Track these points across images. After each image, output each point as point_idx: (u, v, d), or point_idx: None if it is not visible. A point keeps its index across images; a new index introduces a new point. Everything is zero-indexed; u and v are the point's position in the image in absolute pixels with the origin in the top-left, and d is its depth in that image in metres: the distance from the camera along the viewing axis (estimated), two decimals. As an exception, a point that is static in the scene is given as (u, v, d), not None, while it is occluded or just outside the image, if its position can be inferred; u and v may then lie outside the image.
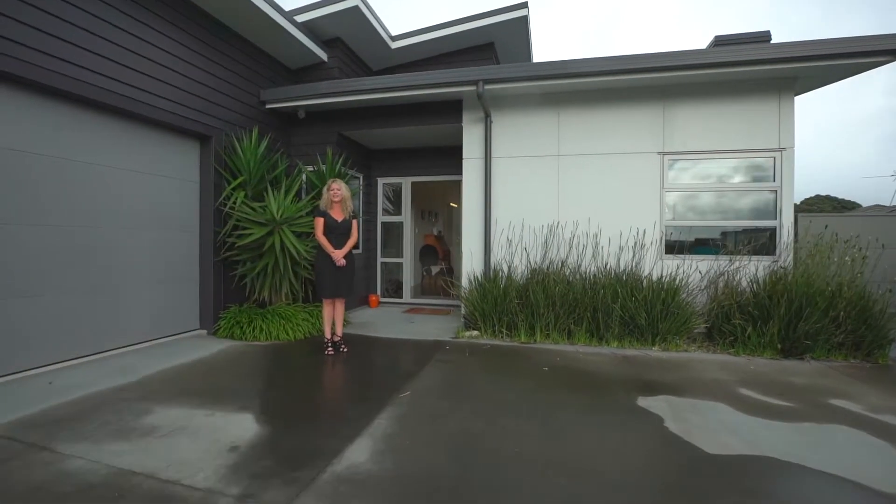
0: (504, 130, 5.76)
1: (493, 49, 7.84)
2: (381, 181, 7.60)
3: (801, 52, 4.53)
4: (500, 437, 2.63)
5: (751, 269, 4.97)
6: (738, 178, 5.26)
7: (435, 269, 10.33)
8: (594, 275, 5.27)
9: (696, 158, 5.30)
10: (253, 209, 5.13)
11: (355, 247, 4.67)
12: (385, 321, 6.24)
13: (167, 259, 4.76)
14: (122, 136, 4.30)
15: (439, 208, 12.67)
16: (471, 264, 5.82)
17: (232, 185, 5.05)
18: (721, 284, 4.95)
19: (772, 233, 5.10)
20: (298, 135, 6.49)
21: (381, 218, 7.64)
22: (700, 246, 5.33)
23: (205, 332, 5.10)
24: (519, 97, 5.67)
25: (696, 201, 5.40)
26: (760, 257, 5.00)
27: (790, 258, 4.97)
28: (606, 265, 5.32)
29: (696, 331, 4.94)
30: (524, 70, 5.17)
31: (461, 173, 7.18)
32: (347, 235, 4.45)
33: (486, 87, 5.20)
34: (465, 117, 5.91)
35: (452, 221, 13.56)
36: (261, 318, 4.94)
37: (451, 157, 7.24)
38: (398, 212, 7.80)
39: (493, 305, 5.18)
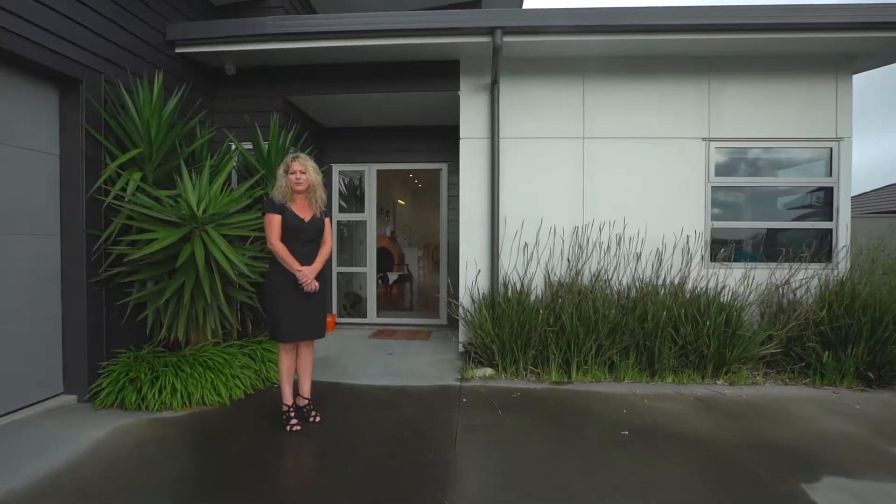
0: (514, 103, 4.46)
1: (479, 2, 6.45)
2: (337, 169, 5.92)
3: (876, 18, 3.77)
4: None
5: (805, 279, 4.18)
6: (789, 172, 4.48)
7: (392, 277, 8.79)
8: (628, 288, 4.18)
9: (746, 147, 4.42)
10: (157, 200, 3.29)
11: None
12: (353, 354, 4.64)
13: (1, 282, 2.80)
14: None
15: (389, 204, 11.11)
16: (473, 277, 4.45)
17: (119, 161, 3.15)
18: (783, 298, 4.10)
19: (823, 236, 4.37)
20: (226, 98, 4.64)
21: (337, 216, 5.97)
22: (739, 251, 4.46)
23: (74, 399, 3.16)
24: (535, 61, 4.40)
25: (741, 199, 4.54)
26: (812, 265, 4.23)
27: (847, 266, 4.27)
28: (644, 277, 4.26)
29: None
30: (570, 17, 3.82)
31: (444, 160, 5.79)
32: (318, 242, 2.88)
33: (507, 38, 3.84)
34: (465, 83, 4.51)
35: (397, 219, 12.04)
36: (173, 370, 3.14)
37: (431, 138, 5.79)
38: (359, 208, 6.17)
39: (516, 334, 3.86)
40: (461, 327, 4.46)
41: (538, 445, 2.64)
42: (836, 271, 4.23)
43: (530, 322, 3.85)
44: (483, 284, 4.42)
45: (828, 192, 4.38)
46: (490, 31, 3.79)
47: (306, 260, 2.77)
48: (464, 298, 4.39)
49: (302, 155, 2.80)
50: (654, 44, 4.01)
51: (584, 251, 4.28)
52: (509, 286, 4.25)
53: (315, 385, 3.61)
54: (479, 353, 4.02)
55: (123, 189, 3.19)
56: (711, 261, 4.36)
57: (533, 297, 4.20)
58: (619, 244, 4.29)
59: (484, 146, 4.48)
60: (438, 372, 4.04)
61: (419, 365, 4.26)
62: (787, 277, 4.18)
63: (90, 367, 3.16)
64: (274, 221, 2.71)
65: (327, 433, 2.78)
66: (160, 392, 3.03)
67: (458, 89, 4.50)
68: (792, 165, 4.47)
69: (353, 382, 3.74)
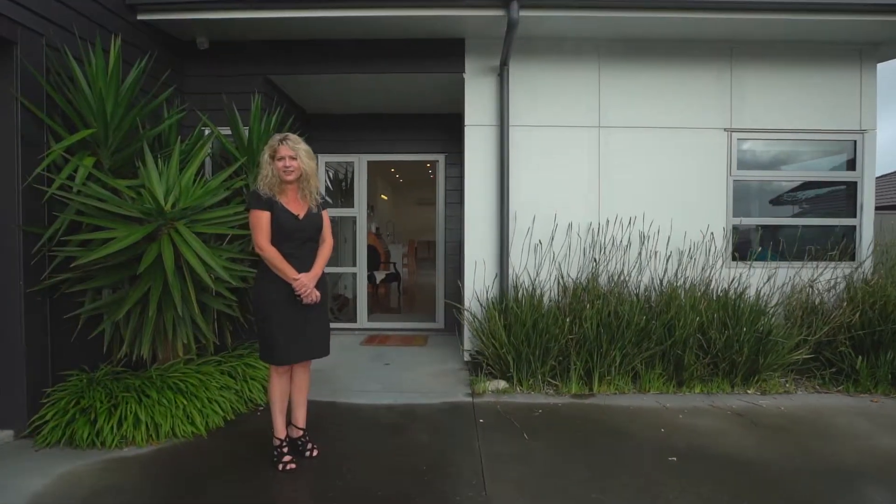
0: (524, 88, 4.06)
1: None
2: (323, 159, 5.39)
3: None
4: None
5: (831, 279, 3.96)
6: (812, 165, 4.25)
7: (379, 276, 8.30)
8: (647, 290, 3.87)
9: (769, 138, 4.15)
10: (115, 192, 2.73)
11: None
12: (345, 365, 4.16)
13: None
14: None
15: (373, 199, 10.57)
16: (481, 279, 4.03)
17: (66, 143, 2.57)
18: (810, 300, 3.86)
19: (847, 233, 4.16)
20: (199, 77, 4.05)
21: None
22: (762, 249, 4.21)
23: (9, 435, 2.57)
24: (547, 41, 4.00)
25: (763, 194, 4.28)
26: (836, 263, 4.00)
27: (871, 265, 4.07)
28: (663, 277, 3.94)
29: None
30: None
31: (441, 150, 5.34)
32: (317, 241, 2.40)
33: (524, 13, 3.41)
34: (470, 65, 4.07)
35: (379, 215, 11.55)
36: (136, 396, 2.61)
37: (427, 127, 5.33)
38: (346, 202, 5.66)
39: (534, 343, 3.47)
40: (467, 334, 4.04)
41: (583, 482, 2.25)
42: (860, 270, 4.01)
43: (548, 329, 3.47)
44: (492, 286, 4.01)
45: (851, 187, 4.16)
46: (505, 2, 3.36)
47: (303, 265, 2.29)
48: (471, 302, 3.97)
49: (291, 136, 2.29)
50: (673, 23, 3.67)
51: (603, 250, 3.92)
52: (520, 289, 3.85)
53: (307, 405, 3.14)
54: (491, 364, 3.61)
55: (72, 178, 2.62)
56: (733, 260, 4.09)
57: (547, 301, 3.83)
58: (642, 243, 3.95)
59: (491, 134, 4.06)
60: (445, 386, 3.62)
61: (422, 377, 3.82)
62: (812, 277, 3.94)
63: (30, 394, 2.59)
64: (262, 220, 2.21)
65: (328, 471, 2.32)
66: (120, 424, 2.50)
67: (463, 71, 4.06)
68: (815, 158, 4.24)
69: (351, 401, 3.27)
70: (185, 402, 2.67)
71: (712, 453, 2.54)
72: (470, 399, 3.34)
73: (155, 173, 2.69)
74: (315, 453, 2.43)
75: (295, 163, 2.24)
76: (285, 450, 2.34)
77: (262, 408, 3.08)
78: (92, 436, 2.45)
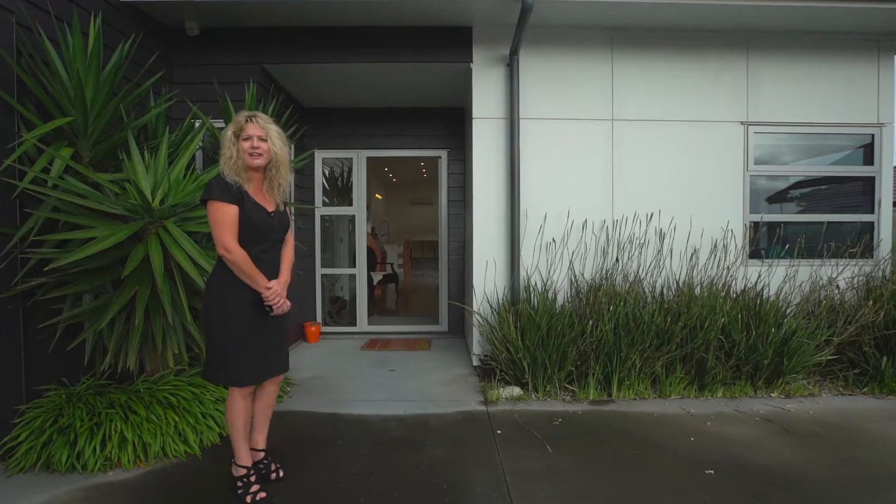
0: (535, 79, 3.86)
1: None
2: (320, 155, 5.14)
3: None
4: None
5: (851, 276, 3.83)
6: (830, 160, 4.12)
7: (376, 278, 8.06)
8: (663, 290, 3.71)
9: (786, 132, 4.02)
10: (97, 187, 2.47)
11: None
12: (347, 372, 3.93)
13: None
14: None
15: (368, 199, 10.32)
16: (491, 279, 3.83)
17: (40, 132, 2.30)
18: (830, 299, 3.73)
19: (865, 229, 4.04)
20: (189, 66, 3.78)
21: (321, 210, 5.20)
22: (779, 246, 4.07)
23: (-24, 458, 2.31)
24: (561, 30, 3.81)
25: (779, 189, 4.15)
26: (853, 261, 3.87)
27: (889, 261, 3.95)
28: (679, 276, 3.79)
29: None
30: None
31: (443, 146, 5.13)
32: (282, 243, 2.16)
33: (539, -5, 3.22)
34: (478, 55, 3.87)
35: (374, 214, 11.32)
36: (122, 412, 2.35)
37: (429, 121, 5.12)
38: (345, 200, 5.42)
39: (550, 347, 3.27)
40: (476, 337, 3.84)
41: (620, 502, 2.06)
42: (878, 268, 3.90)
43: (564, 332, 3.28)
44: (502, 287, 3.81)
45: (868, 183, 4.05)
46: (518, -17, 3.16)
47: (273, 270, 2.04)
48: (481, 304, 3.77)
49: (261, 114, 1.98)
50: (688, 9, 3.51)
51: (619, 249, 3.74)
52: (532, 290, 3.66)
53: (307, 417, 2.92)
54: (505, 370, 3.41)
55: (46, 171, 2.35)
56: (750, 257, 3.94)
57: (560, 302, 3.65)
58: (661, 240, 3.78)
59: (500, 128, 3.86)
60: (456, 393, 3.41)
61: (430, 384, 3.61)
62: (832, 275, 3.81)
63: (1, 413, 2.31)
64: (229, 215, 1.87)
65: (344, 496, 2.09)
66: (103, 445, 2.24)
67: (471, 61, 3.85)
68: (833, 153, 4.11)
69: (356, 412, 3.04)
70: (177, 419, 2.42)
71: (750, 465, 2.37)
72: (484, 408, 3.13)
73: (141, 166, 2.43)
74: (280, 475, 2.19)
75: (265, 144, 1.93)
76: (253, 478, 2.07)
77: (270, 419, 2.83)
78: (72, 459, 2.19)
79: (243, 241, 1.93)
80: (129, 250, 2.36)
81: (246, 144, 1.92)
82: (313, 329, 4.93)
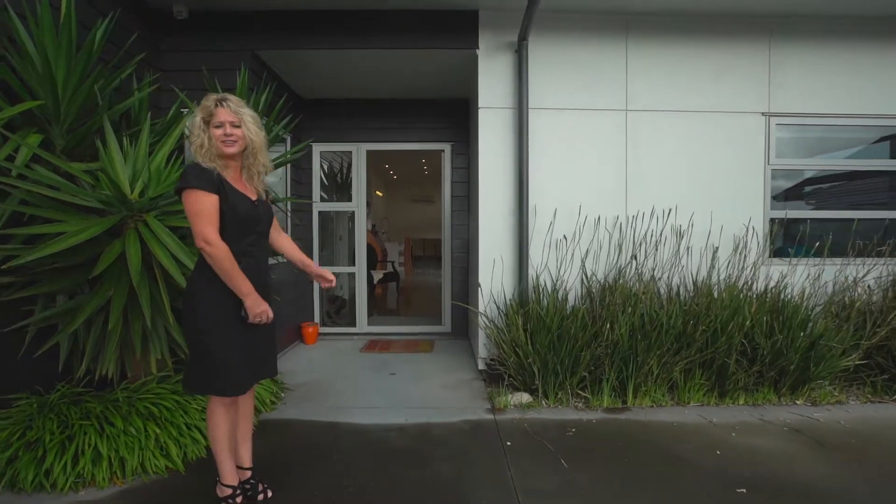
0: (545, 66, 3.64)
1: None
2: (318, 149, 4.93)
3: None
4: None
5: (879, 276, 3.62)
6: (858, 154, 3.90)
7: (377, 276, 7.86)
8: (678, 290, 3.50)
9: (810, 124, 3.80)
10: (70, 178, 2.25)
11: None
12: (346, 375, 3.72)
13: None
14: None
15: (369, 195, 10.11)
16: (498, 279, 3.62)
17: (6, 116, 2.07)
18: (857, 300, 3.51)
19: (889, 227, 3.82)
20: (177, 52, 3.57)
21: (319, 206, 4.98)
22: (801, 244, 3.85)
23: (-66, 475, 2.09)
24: (572, 14, 3.59)
25: (802, 185, 3.94)
26: (881, 260, 3.65)
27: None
28: (697, 276, 3.58)
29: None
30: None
31: (447, 139, 4.91)
32: (268, 237, 1.97)
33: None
34: (484, 41, 3.65)
35: (375, 211, 11.11)
36: (97, 424, 2.14)
37: (432, 113, 4.90)
38: (344, 196, 5.21)
39: (561, 351, 3.06)
40: (481, 340, 3.63)
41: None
42: (908, 267, 3.68)
43: (577, 335, 3.07)
44: (510, 287, 3.60)
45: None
46: (529, -35, 2.94)
47: (259, 267, 1.85)
48: (488, 305, 3.56)
49: (232, 97, 1.78)
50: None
51: (634, 246, 3.53)
52: (542, 289, 3.45)
53: (302, 427, 2.71)
54: (513, 375, 3.20)
55: (12, 159, 2.14)
56: (770, 256, 3.73)
57: (571, 303, 3.44)
58: (679, 238, 3.57)
59: (508, 118, 3.64)
60: (461, 400, 3.20)
61: (433, 389, 3.40)
62: (859, 275, 3.59)
63: (-36, 425, 2.11)
64: (207, 204, 1.67)
65: (335, 518, 1.88)
66: (75, 461, 2.04)
67: (477, 47, 3.64)
68: (861, 145, 3.89)
69: (355, 421, 2.83)
70: (158, 431, 2.21)
71: (786, 483, 2.16)
72: (492, 416, 2.92)
73: (118, 154, 2.22)
74: (269, 494, 1.99)
75: (238, 131, 1.74)
76: (239, 499, 1.88)
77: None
78: (40, 476, 1.99)
79: (228, 234, 1.73)
80: (107, 247, 2.14)
81: (218, 132, 1.72)
82: (311, 330, 4.73)
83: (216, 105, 1.73)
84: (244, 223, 1.78)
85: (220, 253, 1.67)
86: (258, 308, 1.75)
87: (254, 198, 1.84)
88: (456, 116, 4.86)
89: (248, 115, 1.78)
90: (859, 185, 4.00)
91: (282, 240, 2.06)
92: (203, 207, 1.66)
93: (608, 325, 3.04)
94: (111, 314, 2.07)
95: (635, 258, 3.42)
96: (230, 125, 1.73)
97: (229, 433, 1.84)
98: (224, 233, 1.72)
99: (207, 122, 1.73)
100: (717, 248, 3.62)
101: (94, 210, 2.24)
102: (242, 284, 1.71)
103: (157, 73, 3.43)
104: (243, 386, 1.82)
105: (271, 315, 1.82)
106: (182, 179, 1.68)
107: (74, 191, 2.16)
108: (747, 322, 3.05)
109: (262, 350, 1.89)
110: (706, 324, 3.07)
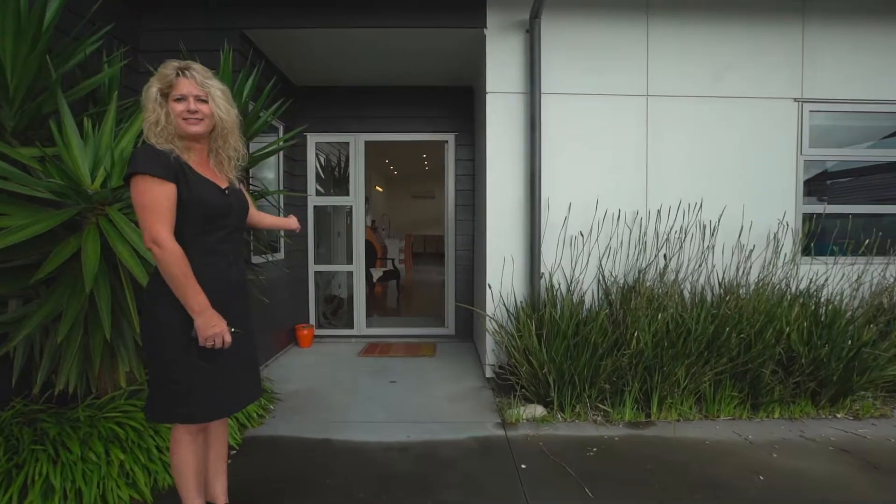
0: (558, 47, 3.34)
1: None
2: (313, 139, 4.62)
3: None
4: None
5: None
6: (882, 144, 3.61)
7: (376, 274, 7.57)
8: (703, 291, 3.21)
9: (848, 111, 3.50)
10: (23, 167, 1.95)
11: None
12: (342, 384, 3.43)
13: None
14: None
15: (368, 191, 9.81)
16: (508, 279, 3.33)
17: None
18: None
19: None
20: (158, 31, 3.26)
21: (315, 200, 4.69)
22: (834, 242, 3.56)
23: None
24: (587, -11, 3.29)
25: (839, 177, 3.64)
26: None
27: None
28: (723, 277, 3.29)
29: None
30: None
31: (450, 129, 4.60)
32: (243, 231, 1.69)
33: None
34: (493, 18, 3.35)
35: (371, 207, 10.81)
36: (51, 449, 1.85)
37: (435, 101, 4.61)
38: (341, 189, 4.91)
39: (580, 360, 2.77)
40: (489, 345, 3.34)
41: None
42: (951, 267, 3.39)
43: (597, 342, 2.78)
44: (520, 288, 3.31)
45: (939, 169, 3.54)
46: (546, -72, 2.63)
47: (229, 273, 1.53)
48: (497, 308, 3.27)
49: (197, 65, 1.47)
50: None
51: (657, 244, 3.24)
52: (556, 291, 3.16)
53: (292, 445, 2.42)
54: (526, 386, 2.91)
55: (-48, 142, 1.84)
56: (804, 255, 3.44)
57: (587, 305, 3.15)
58: (709, 234, 3.28)
59: (518, 104, 3.34)
60: (468, 412, 2.92)
61: (437, 400, 3.11)
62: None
63: None
64: (162, 197, 1.36)
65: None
66: (23, 494, 1.75)
67: (485, 26, 3.33)
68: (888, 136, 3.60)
69: (350, 438, 2.55)
70: (123, 457, 1.92)
71: (846, 517, 1.88)
72: (503, 432, 2.64)
73: (76, 138, 1.92)
74: None
75: (205, 107, 1.44)
76: None
77: (234, 451, 2.35)
78: (-21, 514, 1.70)
79: (193, 229, 1.44)
80: (62, 244, 1.85)
81: (179, 107, 1.42)
82: (305, 332, 4.44)
83: (177, 74, 1.43)
84: (214, 216, 1.49)
85: (170, 257, 1.36)
86: (210, 329, 1.41)
87: (224, 185, 1.54)
88: (460, 105, 4.55)
89: (218, 89, 1.48)
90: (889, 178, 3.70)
91: (261, 217, 1.84)
92: (154, 199, 1.36)
93: (636, 334, 2.74)
94: (62, 323, 1.77)
95: (665, 257, 3.13)
96: (195, 99, 1.43)
97: (197, 467, 1.55)
98: (187, 228, 1.43)
99: (166, 94, 1.43)
100: (745, 245, 3.33)
101: (52, 203, 1.95)
102: (194, 298, 1.39)
103: (134, 53, 3.13)
104: (214, 410, 1.53)
105: (228, 339, 1.46)
106: (130, 163, 1.38)
107: (25, 181, 1.86)
108: (787, 329, 2.76)
109: (243, 370, 1.59)
110: (739, 330, 2.77)
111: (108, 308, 1.81)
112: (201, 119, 1.45)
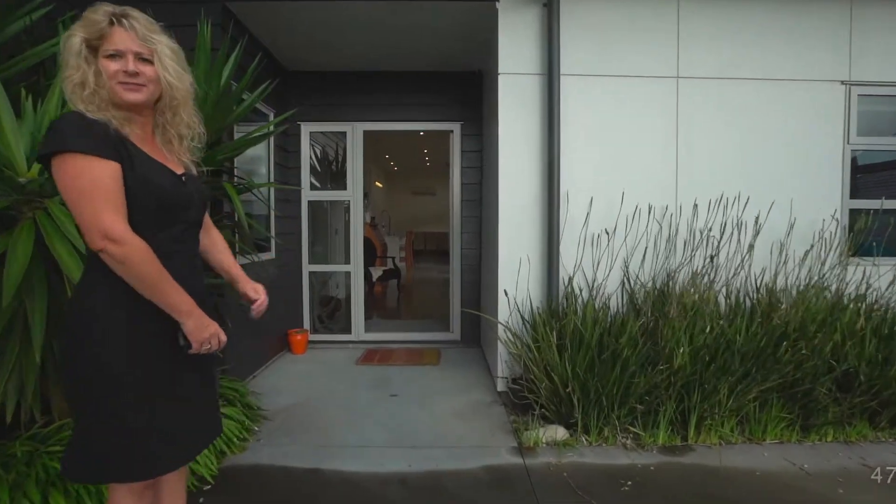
0: (578, 24, 2.99)
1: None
2: (307, 129, 4.26)
3: None
4: None
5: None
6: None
7: (376, 273, 7.23)
8: (738, 295, 2.87)
9: (900, 94, 3.14)
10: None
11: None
12: (337, 397, 3.09)
13: None
14: None
15: (367, 186, 9.49)
16: (524, 282, 2.98)
17: None
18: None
19: None
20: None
21: (310, 194, 4.33)
22: (884, 241, 3.21)
23: None
24: (612, -43, 2.93)
25: (882, 167, 3.29)
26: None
27: None
28: (763, 280, 2.94)
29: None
30: None
31: (456, 118, 4.25)
32: (200, 226, 1.28)
33: None
34: (506, -11, 2.99)
35: (370, 203, 10.48)
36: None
37: (439, 87, 4.25)
38: (338, 184, 4.56)
39: (609, 377, 2.42)
40: (501, 356, 3.00)
41: None
42: None
43: (629, 357, 2.43)
44: (537, 293, 2.97)
45: None
46: None
47: (193, 268, 1.21)
48: (512, 315, 2.92)
49: (140, 15, 1.10)
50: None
51: (693, 243, 2.89)
52: (577, 297, 2.82)
53: (276, 476, 2.08)
54: (546, 404, 2.56)
55: None
56: (851, 255, 3.09)
57: (612, 311, 2.81)
58: (755, 234, 2.93)
59: (535, 86, 2.99)
60: (478, 433, 2.57)
61: (443, 418, 2.77)
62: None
63: None
64: (105, 177, 1.01)
65: None
66: (-64, 554, 1.41)
67: (497, 0, 2.98)
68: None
69: (344, 468, 2.20)
70: (63, 502, 1.57)
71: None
72: (520, 459, 2.30)
73: (8, 114, 1.57)
74: None
75: (149, 69, 1.09)
76: None
77: (208, 485, 2.01)
78: None
79: (142, 224, 1.08)
80: (-10, 244, 1.50)
81: (113, 66, 1.06)
82: (299, 338, 4.10)
83: (111, 22, 1.06)
84: (168, 207, 1.13)
85: (135, 254, 1.02)
86: (205, 330, 1.12)
87: (179, 171, 1.19)
88: (466, 92, 4.20)
89: (167, 47, 1.12)
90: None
91: (212, 235, 1.38)
92: (95, 181, 1.00)
93: (674, 346, 2.39)
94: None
95: (711, 259, 2.77)
96: (135, 58, 1.07)
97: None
98: (135, 223, 1.06)
99: (95, 48, 1.07)
100: (786, 245, 2.98)
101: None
102: (178, 298, 1.08)
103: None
104: (174, 460, 1.19)
105: (223, 338, 1.18)
106: (51, 137, 1.02)
107: (-56, 164, 1.52)
108: (847, 342, 2.41)
109: (201, 406, 1.25)
110: (792, 342, 2.43)
111: (41, 319, 1.46)
112: (143, 84, 1.09)
